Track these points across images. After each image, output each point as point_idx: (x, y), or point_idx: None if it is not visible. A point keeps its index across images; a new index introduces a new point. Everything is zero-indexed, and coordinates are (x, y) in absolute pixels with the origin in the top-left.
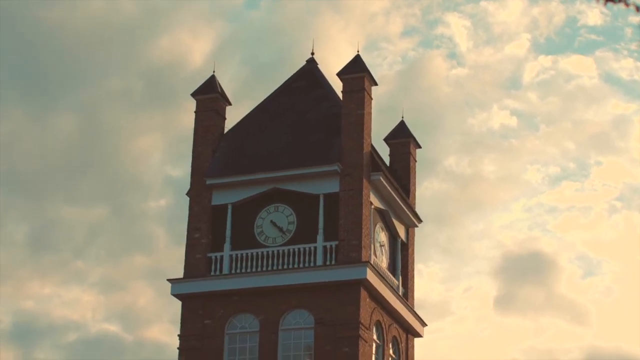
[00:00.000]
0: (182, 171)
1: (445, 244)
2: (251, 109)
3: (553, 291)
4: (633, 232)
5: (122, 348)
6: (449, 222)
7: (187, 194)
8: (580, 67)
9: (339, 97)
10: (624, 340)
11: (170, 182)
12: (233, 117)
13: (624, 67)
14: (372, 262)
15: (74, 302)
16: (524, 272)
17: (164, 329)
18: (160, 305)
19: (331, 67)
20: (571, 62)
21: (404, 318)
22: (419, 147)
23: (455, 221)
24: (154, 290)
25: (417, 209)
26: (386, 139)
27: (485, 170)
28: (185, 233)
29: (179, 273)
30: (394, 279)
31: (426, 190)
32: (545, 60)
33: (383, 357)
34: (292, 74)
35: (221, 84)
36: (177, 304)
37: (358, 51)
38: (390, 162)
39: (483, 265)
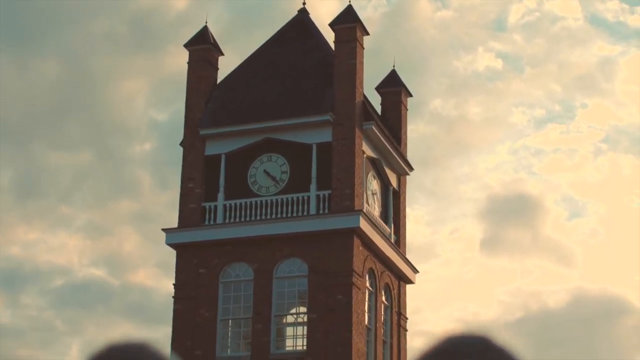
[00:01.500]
0: (167, 115)
1: (431, 186)
2: (240, 55)
3: (539, 233)
4: (618, 174)
5: (109, 293)
6: (435, 164)
7: (180, 144)
8: (565, 8)
9: (330, 47)
10: (610, 281)
11: (156, 126)
12: (225, 66)
13: (610, 8)
14: (364, 211)
15: (60, 247)
16: (510, 214)
17: (151, 273)
18: (146, 250)
19: (323, 17)
20: (556, 4)
21: (396, 265)
22: (410, 95)
23: (441, 164)
24: (140, 235)
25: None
26: (378, 88)
27: (471, 113)
28: (171, 178)
29: (165, 217)
30: (386, 226)
31: (412, 133)
32: (530, 2)
33: (376, 304)
34: (281, 20)
35: (210, 30)
36: (164, 249)
37: (350, 1)
38: (381, 111)
39: (469, 207)
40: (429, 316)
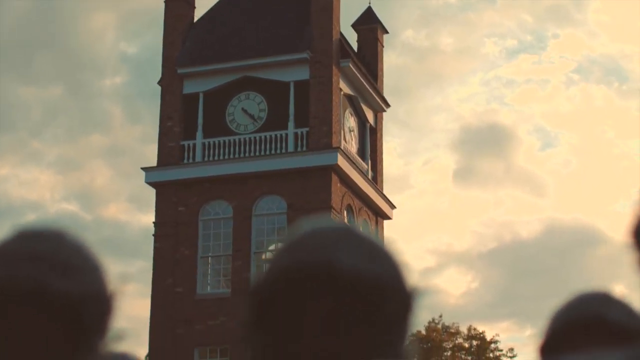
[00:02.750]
0: (137, 49)
1: (403, 118)
2: None
3: (511, 163)
4: (590, 104)
5: (81, 228)
6: (407, 96)
7: (158, 83)
8: None
9: None
10: (582, 211)
11: (126, 59)
12: (202, 4)
13: None
14: (342, 148)
15: (31, 182)
16: (483, 145)
17: (123, 207)
18: (118, 184)
19: None
20: None
21: (374, 201)
22: (386, 32)
23: (414, 95)
24: (112, 169)
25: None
26: (354, 25)
27: (443, 43)
28: (142, 111)
29: (137, 151)
30: (363, 163)
31: (384, 64)
32: None
33: None
34: None
35: None
36: (136, 183)
37: None
38: (358, 48)
39: (442, 138)
40: (402, 247)
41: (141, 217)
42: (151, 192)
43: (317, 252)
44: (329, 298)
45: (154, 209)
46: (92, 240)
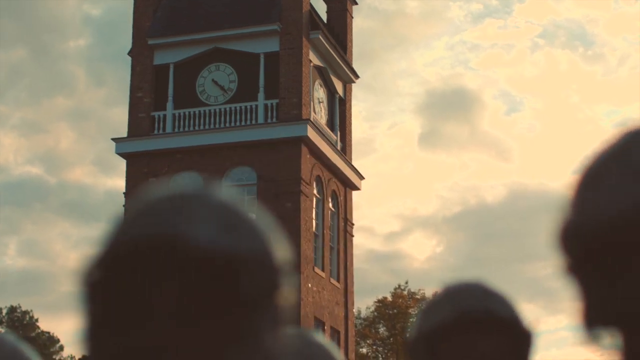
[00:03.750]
0: (101, 10)
1: (369, 81)
2: None
3: (476, 128)
4: (555, 69)
5: (46, 190)
6: (373, 59)
7: (128, 53)
8: None
9: None
10: (547, 176)
11: (89, 21)
12: None
13: None
14: (312, 120)
15: None
16: (448, 109)
17: (87, 170)
18: (82, 147)
19: None
20: None
21: (343, 172)
22: (356, 3)
23: (379, 58)
24: (76, 132)
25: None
26: None
27: (409, 7)
28: (107, 74)
29: (101, 114)
30: (332, 134)
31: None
32: None
33: (323, 211)
34: None
35: None
36: (100, 146)
37: None
38: (327, 19)
39: (407, 102)
40: (367, 212)
41: (106, 180)
42: (117, 157)
43: (159, 223)
44: (173, 279)
45: (118, 172)
46: (56, 204)
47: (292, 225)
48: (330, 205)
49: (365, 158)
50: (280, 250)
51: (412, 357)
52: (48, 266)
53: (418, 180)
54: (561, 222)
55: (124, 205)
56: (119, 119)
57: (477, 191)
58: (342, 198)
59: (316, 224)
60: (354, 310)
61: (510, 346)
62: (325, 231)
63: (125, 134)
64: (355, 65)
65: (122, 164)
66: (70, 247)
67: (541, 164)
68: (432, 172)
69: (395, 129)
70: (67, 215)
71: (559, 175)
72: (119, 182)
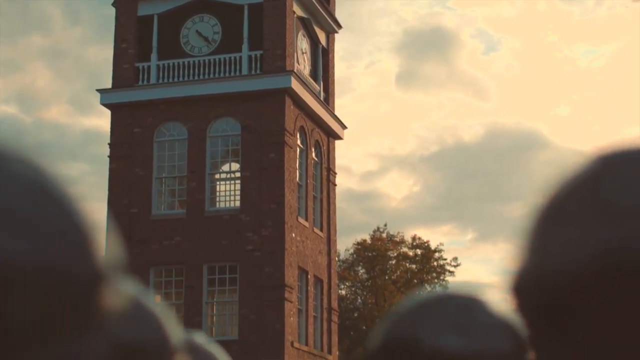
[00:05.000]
0: None
1: (345, 20)
2: None
3: (454, 67)
4: (533, 9)
5: (21, 130)
6: None
7: (112, 4)
8: None
9: None
10: (524, 115)
11: None
12: None
13: None
14: (295, 71)
15: None
16: (426, 48)
17: (63, 110)
18: (59, 87)
19: None
20: None
21: (326, 122)
22: None
23: None
24: (52, 71)
25: None
26: None
27: None
28: (83, 12)
29: (77, 53)
30: (315, 84)
31: None
32: None
33: (306, 161)
34: None
35: None
36: (77, 85)
37: None
38: None
39: (384, 41)
40: (345, 152)
41: (82, 120)
42: (93, 96)
43: None
44: None
45: (95, 111)
46: (32, 143)
47: (276, 175)
48: (314, 155)
49: (342, 98)
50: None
51: None
52: None
53: (395, 120)
54: (514, 270)
55: (109, 156)
56: (95, 59)
57: (454, 130)
58: (325, 148)
59: (300, 174)
60: (336, 258)
61: None
62: (308, 181)
63: (109, 85)
64: (335, 8)
65: (98, 102)
66: None
67: (519, 103)
68: (409, 112)
69: (372, 69)
70: (43, 155)
71: (536, 114)
72: (96, 122)
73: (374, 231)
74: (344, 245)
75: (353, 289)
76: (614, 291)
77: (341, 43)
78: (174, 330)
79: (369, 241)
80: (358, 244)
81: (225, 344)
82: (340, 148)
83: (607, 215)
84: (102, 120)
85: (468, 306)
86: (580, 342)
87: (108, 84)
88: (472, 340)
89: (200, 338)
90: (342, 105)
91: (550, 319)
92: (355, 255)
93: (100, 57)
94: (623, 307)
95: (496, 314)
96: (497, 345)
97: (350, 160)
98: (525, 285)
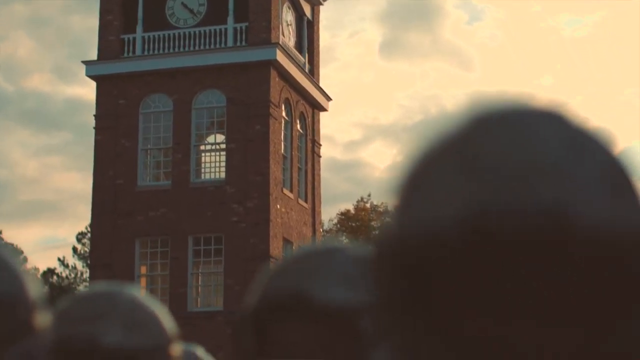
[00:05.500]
0: None
1: None
2: None
3: (438, 36)
4: None
5: (4, 99)
6: None
7: None
8: None
9: None
10: (508, 85)
11: None
12: None
13: None
14: (281, 43)
15: None
16: (410, 17)
17: (46, 79)
18: (41, 55)
19: None
20: None
21: (311, 94)
22: None
23: None
24: (34, 39)
25: None
26: None
27: None
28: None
29: (60, 21)
30: (300, 56)
31: None
32: None
33: (291, 133)
34: None
35: None
36: (59, 53)
37: None
38: None
39: (368, 10)
40: (328, 121)
41: (65, 88)
42: (76, 65)
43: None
44: None
45: (77, 80)
46: (14, 112)
47: (261, 147)
48: (299, 127)
49: (326, 67)
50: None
51: (238, 336)
52: (7, 175)
53: (379, 89)
54: (378, 239)
55: (94, 127)
56: (78, 28)
57: (438, 100)
58: (309, 119)
59: (284, 146)
60: (321, 230)
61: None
62: (293, 153)
63: (94, 56)
64: None
65: (81, 71)
66: (30, 156)
67: (503, 73)
68: (393, 81)
69: (356, 38)
70: (27, 124)
71: (520, 84)
72: (79, 91)
73: (358, 201)
74: (328, 215)
75: None
76: (480, 255)
77: (325, 13)
78: (32, 284)
79: (352, 211)
80: (342, 214)
81: (211, 315)
82: (324, 118)
83: (473, 175)
84: (85, 90)
85: (356, 259)
86: (443, 312)
87: (92, 54)
88: (361, 293)
89: (199, 351)
90: (326, 75)
91: (414, 287)
92: (338, 226)
93: (83, 26)
94: (490, 271)
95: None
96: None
97: (334, 129)
98: (389, 251)
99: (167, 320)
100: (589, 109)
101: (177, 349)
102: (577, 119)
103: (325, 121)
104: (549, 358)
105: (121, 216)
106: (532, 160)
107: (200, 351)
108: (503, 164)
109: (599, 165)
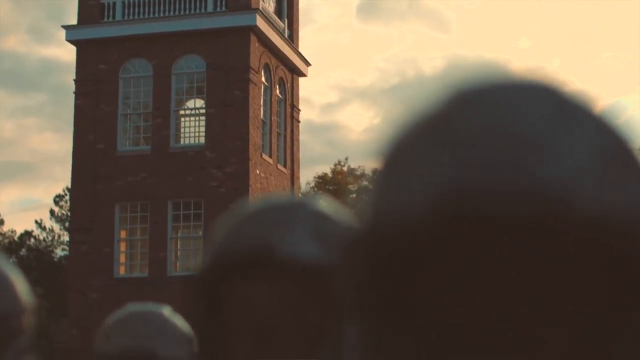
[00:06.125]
0: None
1: None
2: None
3: None
4: None
5: None
6: None
7: None
8: None
9: None
10: (486, 48)
11: None
12: None
13: None
14: (260, 8)
15: None
16: None
17: (22, 39)
18: (17, 16)
19: None
20: None
21: (290, 60)
22: None
23: None
24: (10, 0)
25: None
26: None
27: None
28: None
29: None
30: (280, 22)
31: None
32: None
33: (270, 98)
34: None
35: None
36: (35, 14)
37: None
38: None
39: None
40: (305, 83)
41: (40, 49)
42: (52, 25)
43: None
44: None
45: (53, 41)
46: None
47: (240, 113)
48: (278, 92)
49: (303, 29)
50: None
51: (193, 296)
52: None
53: (356, 52)
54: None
55: (74, 92)
56: None
57: (415, 63)
58: (288, 85)
59: (264, 111)
60: (299, 194)
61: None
62: (272, 118)
63: (75, 22)
64: None
65: (57, 32)
66: (6, 117)
67: (480, 36)
68: (370, 44)
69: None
70: (3, 85)
71: (498, 47)
72: (55, 52)
73: (335, 165)
74: (305, 178)
75: None
76: (462, 242)
77: None
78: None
79: (330, 175)
80: (319, 177)
81: (190, 279)
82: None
83: (454, 152)
84: (61, 51)
85: (325, 215)
86: (420, 307)
87: (68, 15)
88: (330, 250)
89: (166, 311)
90: (303, 37)
91: (389, 280)
92: (316, 189)
93: None
94: (474, 259)
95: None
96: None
97: (311, 92)
98: (365, 236)
99: (22, 288)
100: (566, 72)
101: (29, 317)
102: (564, 88)
103: (302, 83)
104: (537, 352)
105: (101, 181)
106: (518, 133)
107: (167, 311)
108: (486, 139)
109: (593, 137)
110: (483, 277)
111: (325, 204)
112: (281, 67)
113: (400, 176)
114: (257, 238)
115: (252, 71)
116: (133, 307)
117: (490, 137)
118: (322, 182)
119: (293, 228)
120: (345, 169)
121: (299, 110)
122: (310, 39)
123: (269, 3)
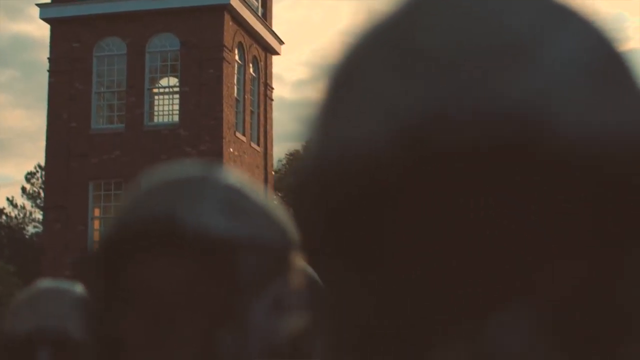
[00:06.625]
0: None
1: None
2: None
3: None
4: None
5: None
6: None
7: None
8: None
9: None
10: None
11: None
12: None
13: None
14: None
15: None
16: None
17: None
18: None
19: None
20: None
21: (264, 38)
22: None
23: None
24: None
25: None
26: None
27: None
28: None
29: None
30: (254, 0)
31: None
32: None
33: (244, 76)
34: None
35: None
36: None
37: None
38: None
39: None
40: (277, 60)
41: (11, 25)
42: (23, 2)
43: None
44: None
45: (24, 17)
46: None
47: (214, 91)
48: (251, 70)
49: (275, 5)
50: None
51: (90, 273)
52: None
53: (327, 28)
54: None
55: (48, 70)
56: None
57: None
58: (262, 63)
59: (237, 90)
60: (272, 172)
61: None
62: (246, 96)
63: (49, 0)
64: None
65: (27, 8)
66: None
67: None
68: (343, 19)
69: None
70: None
71: None
72: (25, 27)
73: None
74: (277, 155)
75: (285, 200)
76: (424, 177)
77: None
78: None
79: (301, 152)
80: (290, 154)
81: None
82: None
83: (412, 69)
84: (31, 27)
85: (237, 189)
86: (387, 241)
87: None
88: (240, 226)
89: (79, 289)
90: (275, 14)
91: (341, 224)
92: (287, 166)
93: None
94: (441, 196)
95: (266, 200)
96: (269, 233)
97: (282, 69)
98: (307, 180)
99: None
100: None
101: None
102: None
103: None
104: (519, 297)
105: (75, 159)
106: (491, 43)
107: (79, 289)
108: (453, 52)
109: (582, 49)
110: (456, 213)
111: (239, 177)
112: (255, 45)
113: (355, 103)
114: (162, 209)
115: (226, 50)
116: (43, 283)
117: (460, 47)
118: (294, 160)
119: (202, 200)
120: None
121: (272, 88)
122: (282, 15)
123: None
